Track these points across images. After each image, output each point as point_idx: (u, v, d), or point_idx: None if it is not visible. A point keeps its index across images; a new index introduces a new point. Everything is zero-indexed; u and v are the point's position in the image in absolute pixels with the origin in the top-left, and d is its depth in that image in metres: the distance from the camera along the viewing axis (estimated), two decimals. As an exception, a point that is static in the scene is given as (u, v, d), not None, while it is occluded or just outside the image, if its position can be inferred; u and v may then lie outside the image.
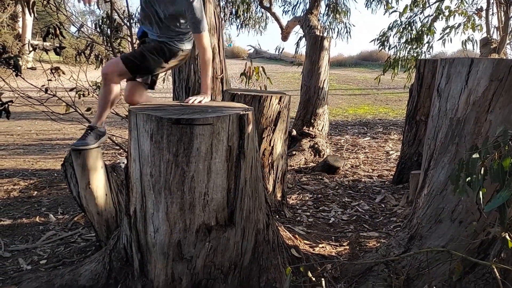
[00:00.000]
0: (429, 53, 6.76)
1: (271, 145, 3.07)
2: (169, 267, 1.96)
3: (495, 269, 1.69)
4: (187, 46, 2.70)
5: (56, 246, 2.87)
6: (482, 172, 1.54)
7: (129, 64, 2.52)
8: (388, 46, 6.83)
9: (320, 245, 2.82)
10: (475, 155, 1.56)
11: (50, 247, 2.85)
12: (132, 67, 2.53)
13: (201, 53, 2.54)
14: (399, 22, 6.71)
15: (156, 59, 2.59)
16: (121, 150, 5.19)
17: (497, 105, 1.97)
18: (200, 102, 2.39)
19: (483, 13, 6.36)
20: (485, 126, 2.00)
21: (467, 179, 1.57)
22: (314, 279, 1.90)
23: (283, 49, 9.92)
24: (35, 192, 3.99)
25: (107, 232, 2.60)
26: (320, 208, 3.64)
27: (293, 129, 5.64)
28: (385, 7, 7.07)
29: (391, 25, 6.74)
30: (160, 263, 1.97)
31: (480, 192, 1.53)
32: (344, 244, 2.87)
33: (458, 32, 6.24)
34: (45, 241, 2.94)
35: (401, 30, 6.68)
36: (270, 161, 3.10)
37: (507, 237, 1.65)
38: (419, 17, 6.68)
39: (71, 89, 3.91)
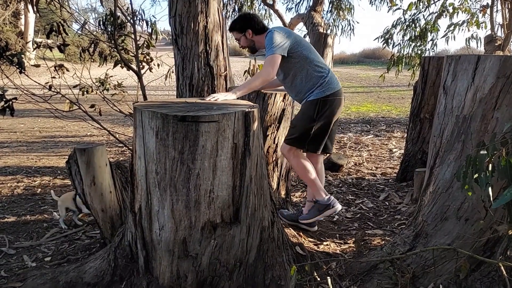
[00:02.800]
0: (433, 50, 6.73)
1: (276, 142, 3.06)
2: (174, 264, 1.96)
3: (502, 267, 1.69)
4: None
5: (61, 243, 2.88)
6: (489, 168, 1.54)
7: None
8: (392, 44, 6.80)
9: (325, 243, 2.81)
10: (483, 152, 1.55)
11: (55, 244, 2.85)
12: None
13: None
14: (403, 19, 6.69)
15: None
16: (125, 147, 5.19)
17: (504, 102, 1.96)
18: (217, 99, 2.41)
19: (488, 10, 6.32)
20: (492, 124, 1.99)
21: (474, 176, 1.56)
22: (319, 277, 1.90)
23: (286, 46, 9.88)
24: (39, 190, 4.00)
25: (111, 229, 2.60)
26: (324, 205, 3.63)
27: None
28: (389, 5, 7.04)
29: (395, 23, 6.72)
30: (165, 260, 1.97)
31: (490, 189, 1.52)
32: (348, 241, 2.87)
33: (462, 30, 6.21)
34: (49, 238, 2.94)
35: (405, 27, 6.66)
36: (274, 158, 3.09)
37: (514, 235, 1.64)
38: (423, 15, 6.65)
39: (75, 86, 3.91)
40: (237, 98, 2.50)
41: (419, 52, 6.66)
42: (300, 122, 2.73)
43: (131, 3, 4.06)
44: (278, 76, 2.81)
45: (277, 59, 2.58)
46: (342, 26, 8.95)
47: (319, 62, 2.73)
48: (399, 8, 6.77)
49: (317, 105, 2.67)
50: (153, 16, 9.77)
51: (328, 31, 8.11)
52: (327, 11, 8.77)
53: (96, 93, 4.05)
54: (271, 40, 2.59)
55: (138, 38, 3.95)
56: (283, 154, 2.91)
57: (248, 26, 2.80)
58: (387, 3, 7.50)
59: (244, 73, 4.41)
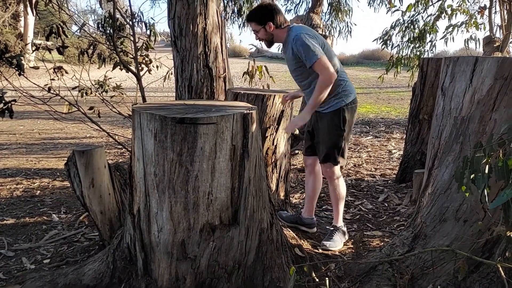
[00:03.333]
0: (432, 51, 6.74)
1: (274, 144, 3.06)
2: (173, 267, 1.96)
3: (500, 268, 1.69)
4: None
5: (60, 245, 2.88)
6: (486, 170, 1.54)
7: None
8: (391, 45, 6.81)
9: (324, 244, 2.81)
10: (480, 153, 1.55)
11: (54, 246, 2.85)
12: None
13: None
14: (401, 21, 6.70)
15: None
16: (124, 149, 5.19)
17: (502, 104, 1.96)
18: (298, 125, 2.61)
19: (486, 12, 6.34)
20: (490, 125, 1.99)
21: (471, 177, 1.56)
22: (317, 278, 1.90)
23: (285, 48, 9.88)
24: (38, 191, 4.00)
25: (110, 232, 2.60)
26: (323, 207, 3.63)
27: (296, 129, 5.62)
28: (388, 6, 7.05)
29: (393, 24, 6.73)
30: (164, 263, 1.97)
31: (485, 190, 1.52)
32: (347, 243, 2.87)
33: (461, 31, 6.22)
34: (48, 240, 2.94)
35: (404, 29, 6.67)
36: (273, 160, 3.10)
37: (513, 236, 1.64)
38: (422, 16, 6.67)
39: (74, 88, 3.91)
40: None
41: (418, 53, 6.67)
42: (333, 136, 2.69)
43: (130, 5, 4.07)
44: (297, 79, 2.75)
45: (326, 60, 2.48)
46: (340, 27, 8.96)
47: (339, 67, 2.69)
48: (397, 10, 6.79)
49: (341, 114, 2.66)
50: (152, 18, 9.81)
51: (327, 33, 8.12)
52: (326, 13, 8.78)
53: (95, 95, 4.06)
54: (306, 46, 2.48)
55: (137, 40, 3.95)
56: (329, 178, 2.80)
57: (269, 19, 2.63)
58: (386, 4, 7.51)
59: (243, 74, 4.41)
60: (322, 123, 2.72)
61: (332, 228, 2.86)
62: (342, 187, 2.85)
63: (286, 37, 2.66)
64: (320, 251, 2.68)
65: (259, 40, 2.77)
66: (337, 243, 2.77)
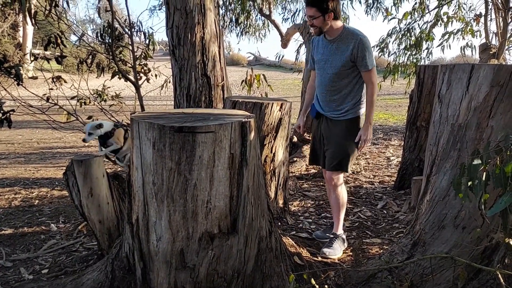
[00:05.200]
0: (428, 59, 6.79)
1: (273, 152, 3.07)
2: (172, 276, 1.95)
3: (499, 275, 1.69)
4: None
5: (58, 255, 2.86)
6: (484, 177, 1.54)
7: None
8: (387, 53, 6.86)
9: (323, 252, 2.80)
10: (477, 160, 1.56)
11: (52, 256, 2.84)
12: None
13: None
14: (398, 28, 6.75)
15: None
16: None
17: (499, 111, 1.97)
18: (368, 138, 2.64)
19: (482, 19, 6.39)
20: (487, 132, 2.01)
21: (469, 184, 1.57)
22: (317, 286, 1.89)
23: (283, 56, 9.94)
24: (37, 201, 3.99)
25: (109, 241, 2.59)
26: (322, 214, 3.63)
27: (294, 136, 5.64)
28: (384, 14, 7.11)
29: (390, 32, 6.77)
30: (162, 272, 1.96)
31: (483, 197, 1.53)
32: (347, 250, 2.86)
33: (457, 38, 6.28)
34: (46, 250, 2.93)
35: (400, 36, 6.72)
36: (272, 168, 3.10)
37: (511, 242, 1.64)
38: (418, 24, 6.71)
39: (72, 98, 3.92)
40: None
41: (415, 60, 6.71)
42: (350, 143, 2.70)
43: (128, 15, 4.10)
44: (331, 78, 2.67)
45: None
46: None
47: None
48: (394, 18, 6.84)
49: (358, 122, 2.71)
50: (150, 27, 9.85)
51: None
52: (323, 21, 8.82)
53: (94, 104, 4.07)
54: (370, 52, 2.57)
55: (135, 49, 3.97)
56: (334, 185, 2.79)
57: (332, 9, 2.55)
58: (383, 12, 7.57)
59: (242, 82, 4.43)
60: (338, 130, 2.71)
61: (332, 236, 2.85)
62: (344, 195, 2.87)
63: (341, 33, 2.61)
64: (320, 259, 2.67)
65: (311, 26, 2.67)
66: (337, 251, 2.76)
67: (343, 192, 2.84)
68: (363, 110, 2.72)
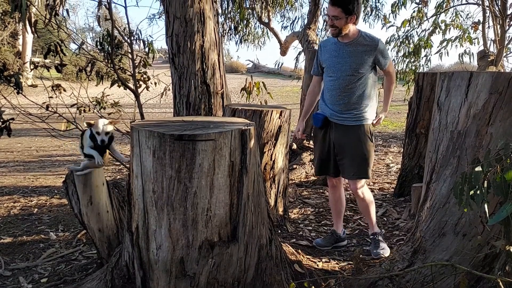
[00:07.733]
0: (427, 66, 6.82)
1: (273, 159, 3.07)
2: (172, 285, 1.94)
3: (501, 283, 1.68)
4: None
5: (57, 264, 2.85)
6: (485, 185, 1.54)
7: None
8: (386, 60, 6.88)
9: (323, 260, 2.80)
10: (478, 168, 1.56)
11: (51, 265, 2.83)
12: None
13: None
14: (396, 36, 6.79)
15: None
16: (122, 166, 5.18)
17: (498, 118, 1.98)
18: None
19: (480, 27, 6.43)
20: (486, 139, 2.01)
21: (470, 193, 1.57)
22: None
23: (282, 63, 9.99)
24: (36, 210, 3.97)
25: (108, 249, 2.58)
26: (322, 222, 3.62)
27: (294, 143, 5.64)
28: (383, 22, 7.15)
29: (388, 39, 6.81)
30: (162, 280, 1.95)
31: (486, 206, 1.53)
32: (347, 258, 2.85)
33: (455, 45, 6.31)
34: (46, 259, 2.91)
35: (399, 44, 6.76)
36: (271, 175, 3.10)
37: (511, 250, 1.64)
38: (416, 31, 6.76)
39: (72, 106, 3.92)
40: None
41: (413, 67, 6.74)
42: (368, 148, 2.72)
43: (128, 23, 4.11)
44: (346, 79, 2.67)
45: None
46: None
47: None
48: (392, 25, 6.88)
49: (369, 127, 2.75)
50: (150, 35, 9.89)
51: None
52: (321, 29, 8.90)
53: (93, 112, 4.07)
54: (387, 49, 2.84)
55: (135, 57, 3.98)
56: (358, 194, 2.80)
57: (356, 12, 2.58)
58: (381, 20, 7.62)
59: (241, 90, 4.43)
60: (355, 136, 2.70)
61: (372, 236, 2.90)
62: (370, 195, 2.91)
63: (358, 36, 2.66)
64: (320, 267, 2.67)
65: (331, 26, 2.63)
66: (386, 247, 2.85)
67: (368, 194, 2.87)
68: (373, 115, 2.79)
